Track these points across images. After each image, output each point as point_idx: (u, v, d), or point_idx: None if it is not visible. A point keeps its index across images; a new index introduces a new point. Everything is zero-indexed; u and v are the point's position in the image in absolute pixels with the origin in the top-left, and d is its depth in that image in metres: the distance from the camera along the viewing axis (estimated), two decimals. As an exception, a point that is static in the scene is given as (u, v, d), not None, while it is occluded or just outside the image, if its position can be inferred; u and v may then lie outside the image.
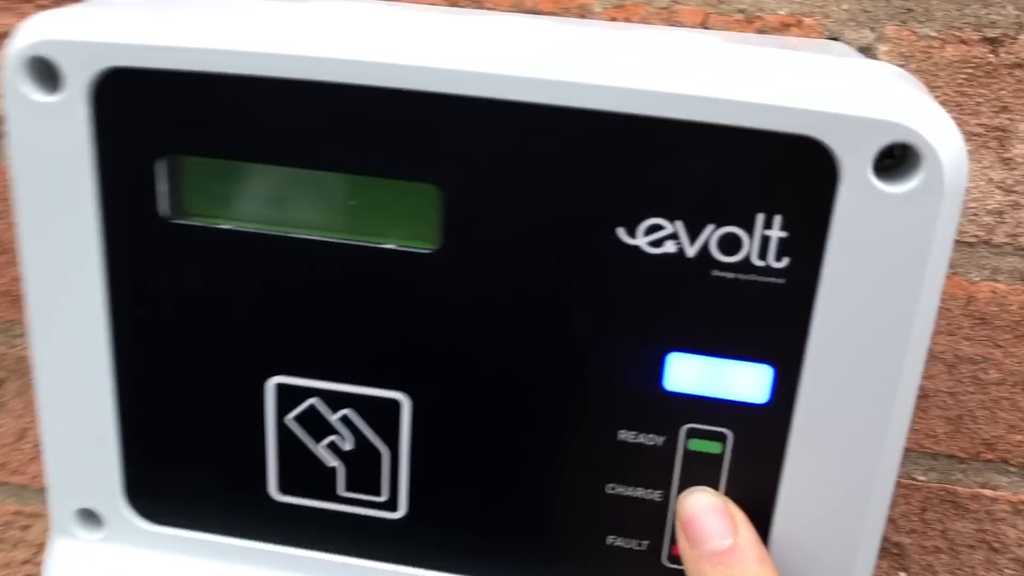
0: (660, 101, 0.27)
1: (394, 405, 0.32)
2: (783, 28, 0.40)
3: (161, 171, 0.30)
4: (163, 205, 0.31)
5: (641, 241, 0.28)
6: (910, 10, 0.39)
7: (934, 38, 0.39)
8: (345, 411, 0.32)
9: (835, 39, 0.40)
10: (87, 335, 0.32)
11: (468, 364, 0.31)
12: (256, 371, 0.32)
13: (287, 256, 0.30)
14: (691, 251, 0.28)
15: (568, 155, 0.28)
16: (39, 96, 0.30)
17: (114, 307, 0.32)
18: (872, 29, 0.39)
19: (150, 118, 0.30)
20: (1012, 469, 0.44)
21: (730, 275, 0.28)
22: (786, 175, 0.27)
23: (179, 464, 0.34)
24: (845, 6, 0.39)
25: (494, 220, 0.29)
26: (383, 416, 0.32)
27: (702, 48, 0.30)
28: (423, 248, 0.30)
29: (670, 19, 0.39)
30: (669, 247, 0.28)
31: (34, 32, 0.29)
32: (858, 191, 0.27)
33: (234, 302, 0.31)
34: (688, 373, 0.30)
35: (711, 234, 0.28)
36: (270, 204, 0.31)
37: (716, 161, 0.27)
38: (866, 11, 0.39)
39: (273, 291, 0.31)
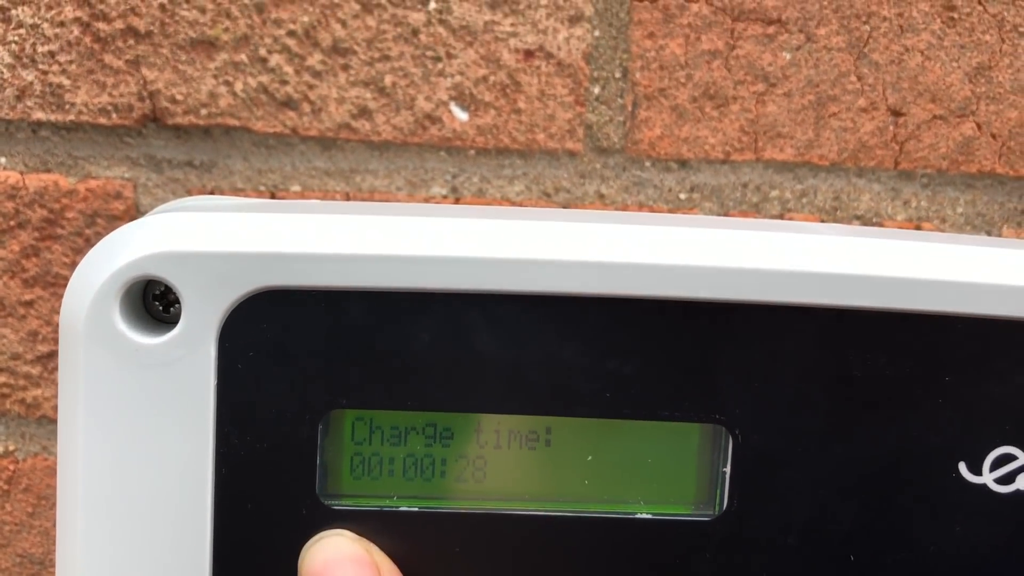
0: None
1: None
2: (901, 234, 0.36)
3: (320, 430, 0.21)
4: (320, 480, 0.21)
5: (987, 478, 0.22)
6: (1023, 212, 0.37)
7: (1051, 239, 0.37)
8: None
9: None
10: None
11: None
12: None
13: (495, 538, 0.22)
14: (1049, 486, 0.22)
15: (897, 374, 0.22)
16: (140, 336, 0.20)
17: None
18: (988, 232, 0.37)
19: (305, 358, 0.21)
20: None
21: None
22: None
23: None
24: (960, 210, 0.37)
25: (796, 467, 0.22)
26: None
27: (982, 240, 0.25)
28: (697, 514, 0.22)
29: (782, 228, 0.35)
30: (1021, 483, 0.22)
31: (137, 245, 0.20)
32: None
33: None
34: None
35: (1072, 462, 0.22)
36: (472, 469, 0.22)
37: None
38: (981, 214, 0.37)
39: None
